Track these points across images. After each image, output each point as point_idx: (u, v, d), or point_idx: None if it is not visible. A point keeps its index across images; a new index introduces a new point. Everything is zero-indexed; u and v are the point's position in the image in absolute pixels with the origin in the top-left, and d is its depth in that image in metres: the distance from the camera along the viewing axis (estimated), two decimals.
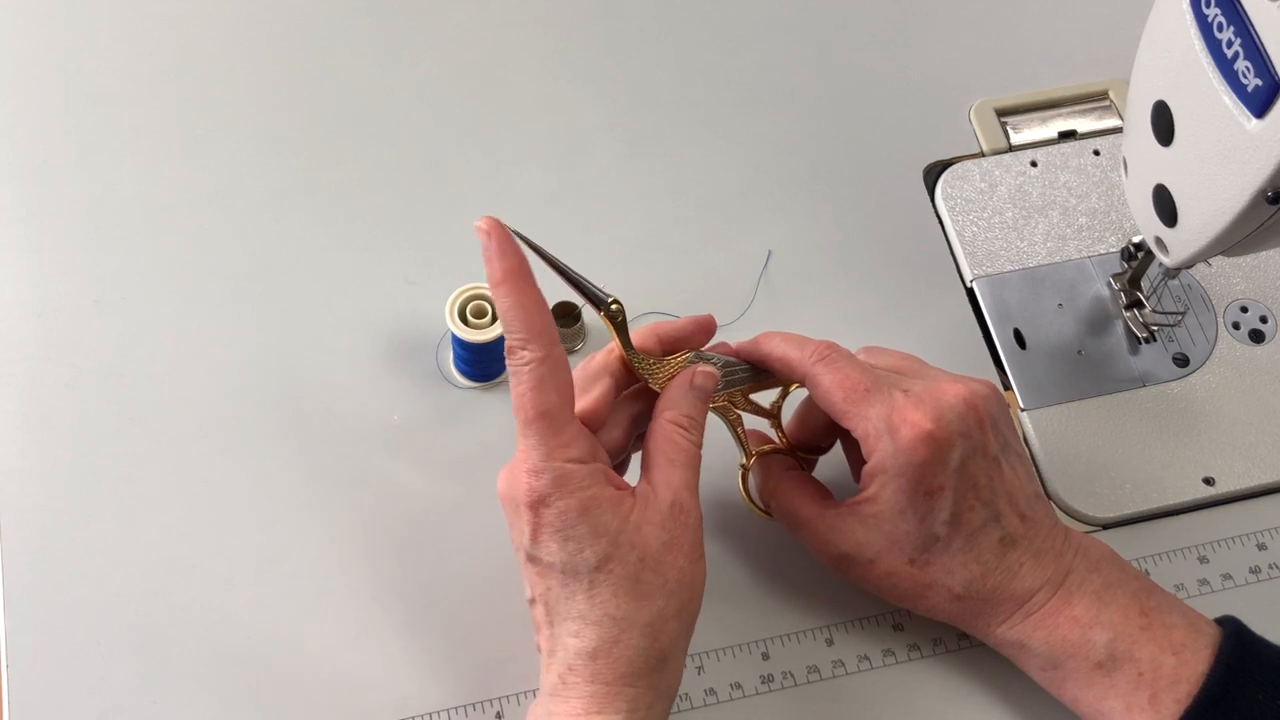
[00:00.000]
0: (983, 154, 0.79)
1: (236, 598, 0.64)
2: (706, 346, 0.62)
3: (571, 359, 0.68)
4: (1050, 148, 0.79)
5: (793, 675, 0.63)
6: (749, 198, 0.77)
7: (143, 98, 0.77)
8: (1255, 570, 0.67)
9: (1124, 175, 0.66)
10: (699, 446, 0.59)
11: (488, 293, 0.67)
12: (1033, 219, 0.77)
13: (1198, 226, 0.59)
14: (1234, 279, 0.76)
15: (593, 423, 0.58)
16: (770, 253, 0.75)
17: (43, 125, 0.76)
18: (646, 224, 0.75)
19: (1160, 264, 0.66)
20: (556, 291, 0.61)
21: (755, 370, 0.63)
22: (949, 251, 0.76)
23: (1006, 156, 0.79)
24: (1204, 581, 0.67)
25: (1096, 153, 0.79)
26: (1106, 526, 0.68)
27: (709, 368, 0.61)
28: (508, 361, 0.55)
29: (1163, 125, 0.59)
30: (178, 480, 0.66)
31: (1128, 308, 0.73)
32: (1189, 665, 0.57)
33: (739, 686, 0.63)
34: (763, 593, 0.65)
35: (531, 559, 0.56)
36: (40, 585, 0.63)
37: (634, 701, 0.55)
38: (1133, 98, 0.62)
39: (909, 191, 0.78)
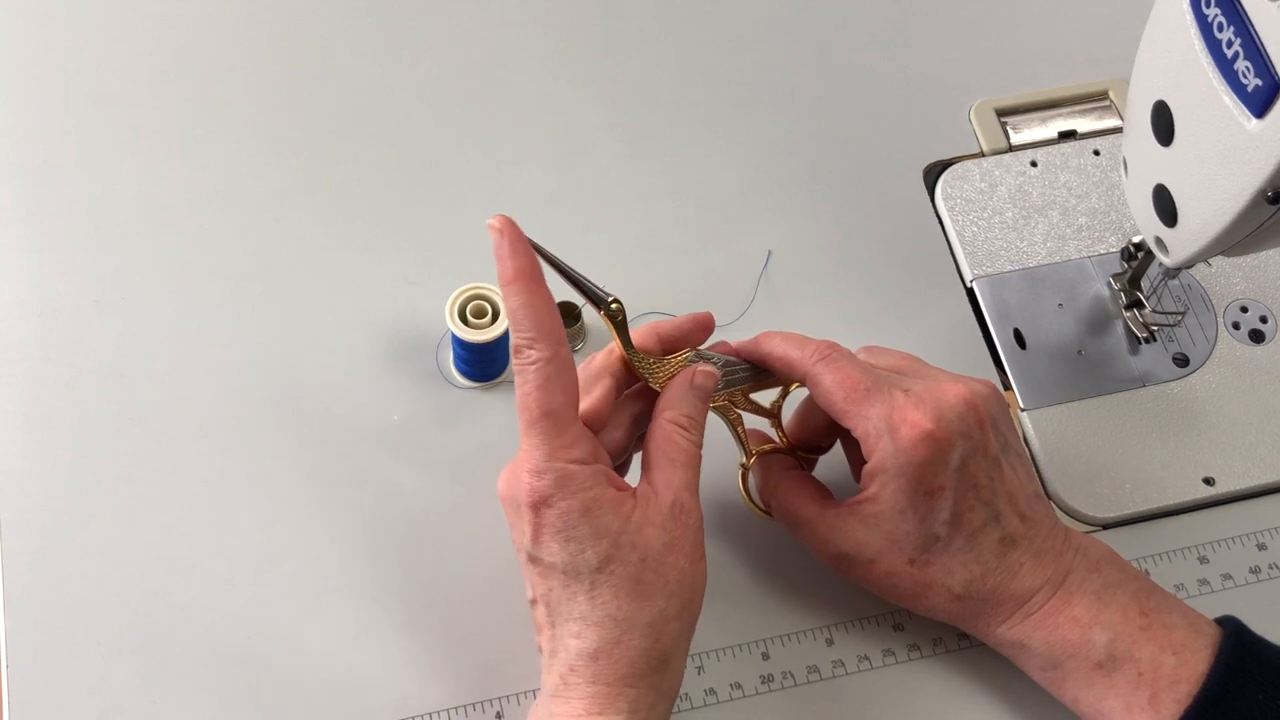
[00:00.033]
0: (983, 154, 0.79)
1: (236, 598, 0.64)
2: (706, 345, 0.62)
3: None
4: (1050, 148, 0.79)
5: (793, 675, 0.63)
6: (749, 198, 0.77)
7: (143, 98, 0.77)
8: (1255, 570, 0.67)
9: (1124, 175, 0.66)
10: (699, 446, 0.59)
11: (488, 293, 0.67)
12: (1033, 219, 0.77)
13: (1198, 226, 0.59)
14: (1234, 279, 0.76)
15: (594, 423, 0.58)
16: (770, 253, 0.75)
17: (43, 125, 0.76)
18: (646, 224, 0.75)
19: (1160, 264, 0.66)
20: (557, 291, 0.61)
21: (755, 370, 0.63)
22: (949, 251, 0.76)
23: (1006, 156, 0.79)
24: (1204, 581, 0.67)
25: (1096, 153, 0.79)
26: (1106, 526, 0.68)
27: (709, 367, 0.61)
28: (514, 360, 0.55)
29: (1163, 125, 0.59)
30: (178, 480, 0.66)
31: (1128, 308, 0.73)
32: (1189, 665, 0.57)
33: (739, 686, 0.63)
34: (763, 593, 0.65)
35: (533, 559, 0.56)
36: (40, 585, 0.63)
37: (635, 702, 0.55)
38: (1133, 98, 0.62)
39: (909, 191, 0.78)
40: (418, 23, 0.81)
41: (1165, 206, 0.62)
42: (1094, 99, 0.81)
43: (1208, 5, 0.54)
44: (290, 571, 0.64)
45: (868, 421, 0.58)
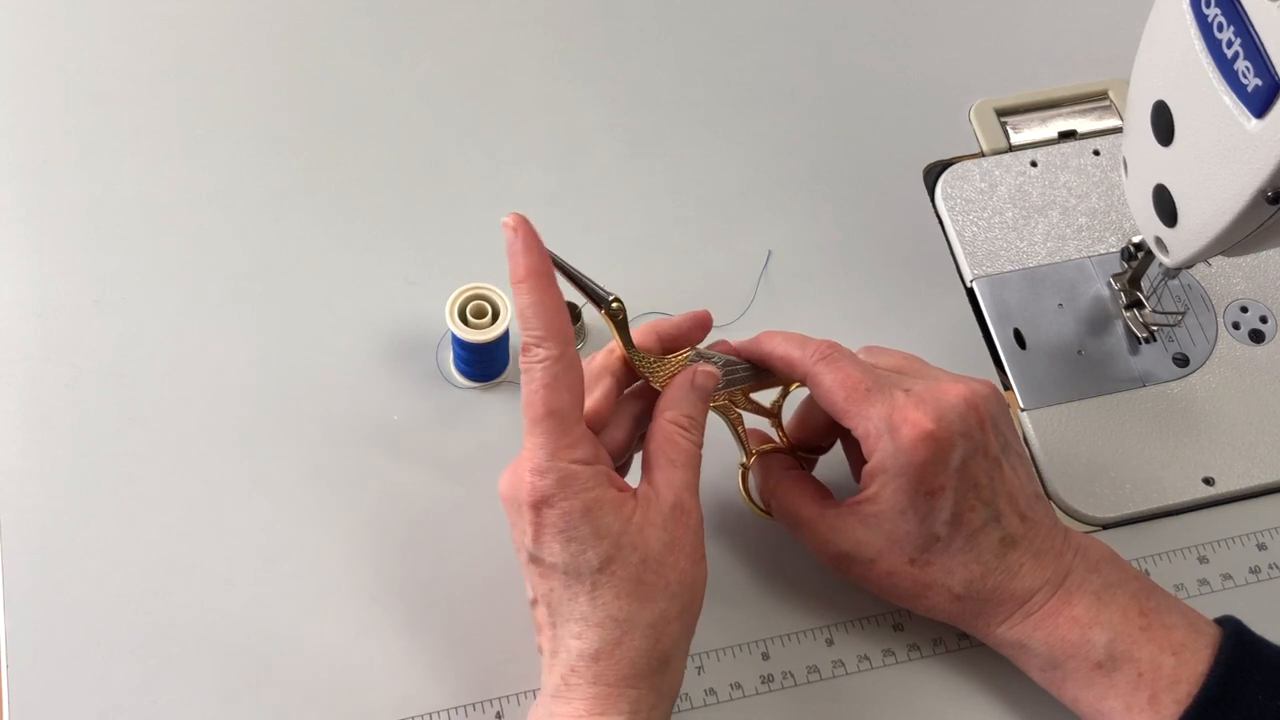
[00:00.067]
0: (983, 154, 0.79)
1: (236, 598, 0.64)
2: (706, 344, 0.62)
3: None
4: (1050, 148, 0.79)
5: (793, 675, 0.63)
6: (749, 198, 0.77)
7: (143, 98, 0.77)
8: (1255, 570, 0.67)
9: (1124, 175, 0.66)
10: (699, 446, 0.59)
11: (488, 293, 0.67)
12: (1033, 219, 0.77)
13: (1198, 226, 0.59)
14: (1234, 279, 0.76)
15: (595, 423, 0.58)
16: (770, 253, 0.75)
17: (43, 125, 0.76)
18: (646, 224, 0.75)
19: (1160, 264, 0.66)
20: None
21: (756, 369, 0.63)
22: (949, 251, 0.76)
23: (1006, 156, 0.79)
24: (1204, 581, 0.67)
25: (1096, 153, 0.79)
26: (1106, 526, 0.68)
27: (710, 367, 0.61)
28: (521, 359, 0.55)
29: (1163, 125, 0.59)
30: (178, 480, 0.66)
31: (1128, 308, 0.73)
32: (1189, 665, 0.57)
33: (739, 686, 0.63)
34: (763, 593, 0.65)
35: (534, 560, 0.56)
36: (40, 585, 0.63)
37: (636, 703, 0.55)
38: (1133, 98, 0.63)
39: (909, 191, 0.78)
40: (418, 23, 0.81)
41: (1165, 206, 0.62)
42: (1094, 99, 0.81)
43: (1208, 5, 0.54)
44: (290, 571, 0.64)
45: (868, 421, 0.58)
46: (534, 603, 0.57)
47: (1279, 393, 0.72)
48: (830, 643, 0.64)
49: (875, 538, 0.59)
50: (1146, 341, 0.73)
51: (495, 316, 0.67)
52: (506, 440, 0.68)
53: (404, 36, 0.81)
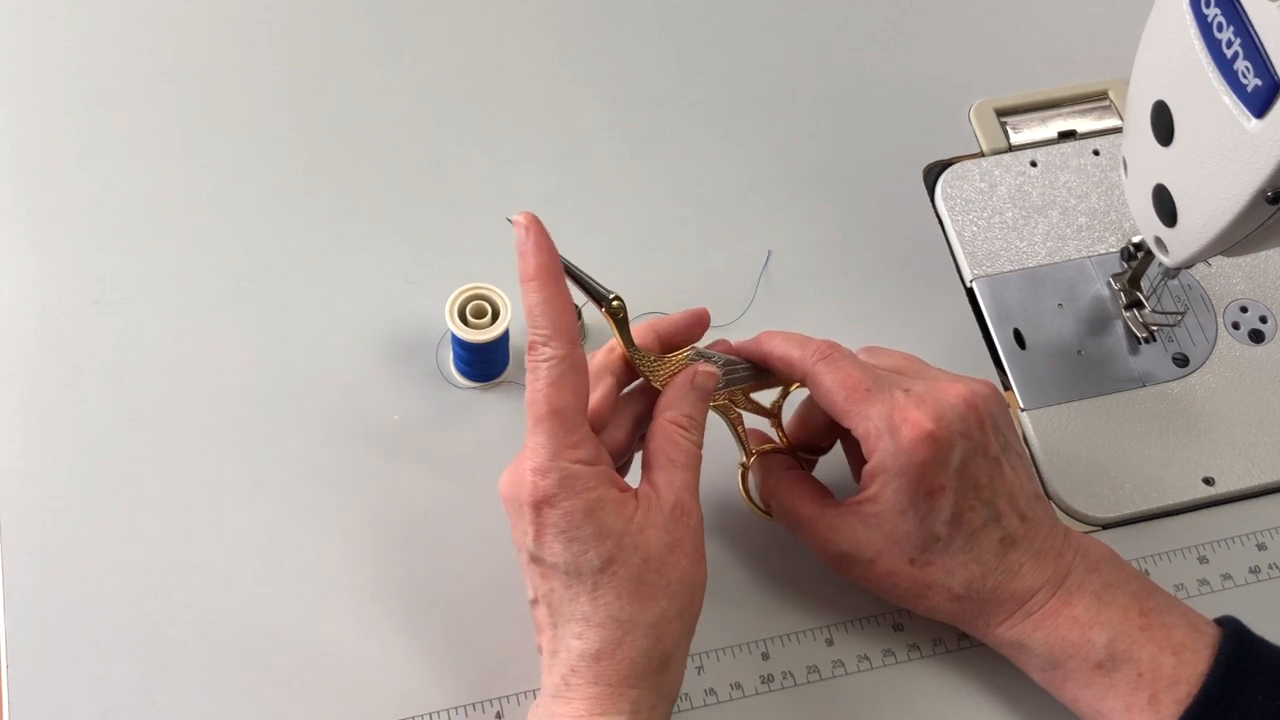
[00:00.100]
0: (983, 154, 0.79)
1: (236, 598, 0.64)
2: (706, 344, 0.62)
3: None
4: (1050, 148, 0.79)
5: (793, 675, 0.63)
6: (749, 198, 0.77)
7: (143, 98, 0.77)
8: (1255, 570, 0.67)
9: (1124, 175, 0.66)
10: (700, 446, 0.59)
11: (488, 293, 0.67)
12: (1032, 219, 0.77)
13: (1198, 226, 0.59)
14: (1234, 279, 0.76)
15: (596, 423, 0.58)
16: (770, 253, 0.75)
17: (43, 125, 0.76)
18: (646, 224, 0.75)
19: (1160, 264, 0.66)
20: None
21: (756, 369, 0.63)
22: (949, 251, 0.76)
23: (1006, 156, 0.79)
24: (1204, 581, 0.67)
25: (1096, 153, 0.79)
26: (1106, 526, 0.68)
27: (710, 367, 0.61)
28: (527, 357, 0.55)
29: (1163, 125, 0.59)
30: (178, 480, 0.66)
31: (1128, 308, 0.73)
32: (1189, 665, 0.57)
33: (739, 686, 0.63)
34: (763, 593, 0.65)
35: (535, 559, 0.56)
36: (40, 585, 0.63)
37: (636, 703, 0.55)
38: (1133, 98, 0.63)
39: (909, 191, 0.78)
40: (418, 23, 0.81)
41: (1165, 206, 0.62)
42: (1094, 99, 0.81)
43: (1208, 5, 0.54)
44: (290, 571, 0.64)
45: (868, 421, 0.58)
46: (534, 602, 0.57)
47: (1279, 393, 0.72)
48: (830, 643, 0.64)
49: (875, 538, 0.59)
50: (1146, 341, 0.73)
51: (495, 316, 0.67)
52: (506, 440, 0.68)
53: (404, 36, 0.81)
